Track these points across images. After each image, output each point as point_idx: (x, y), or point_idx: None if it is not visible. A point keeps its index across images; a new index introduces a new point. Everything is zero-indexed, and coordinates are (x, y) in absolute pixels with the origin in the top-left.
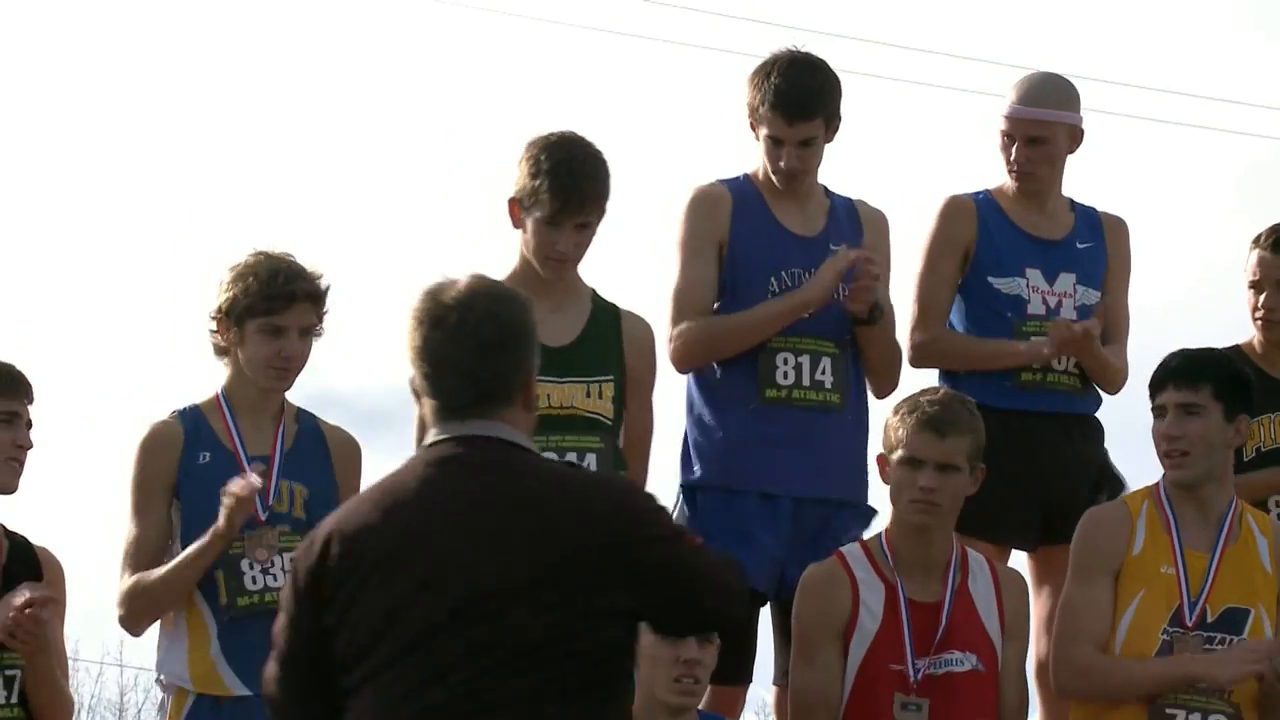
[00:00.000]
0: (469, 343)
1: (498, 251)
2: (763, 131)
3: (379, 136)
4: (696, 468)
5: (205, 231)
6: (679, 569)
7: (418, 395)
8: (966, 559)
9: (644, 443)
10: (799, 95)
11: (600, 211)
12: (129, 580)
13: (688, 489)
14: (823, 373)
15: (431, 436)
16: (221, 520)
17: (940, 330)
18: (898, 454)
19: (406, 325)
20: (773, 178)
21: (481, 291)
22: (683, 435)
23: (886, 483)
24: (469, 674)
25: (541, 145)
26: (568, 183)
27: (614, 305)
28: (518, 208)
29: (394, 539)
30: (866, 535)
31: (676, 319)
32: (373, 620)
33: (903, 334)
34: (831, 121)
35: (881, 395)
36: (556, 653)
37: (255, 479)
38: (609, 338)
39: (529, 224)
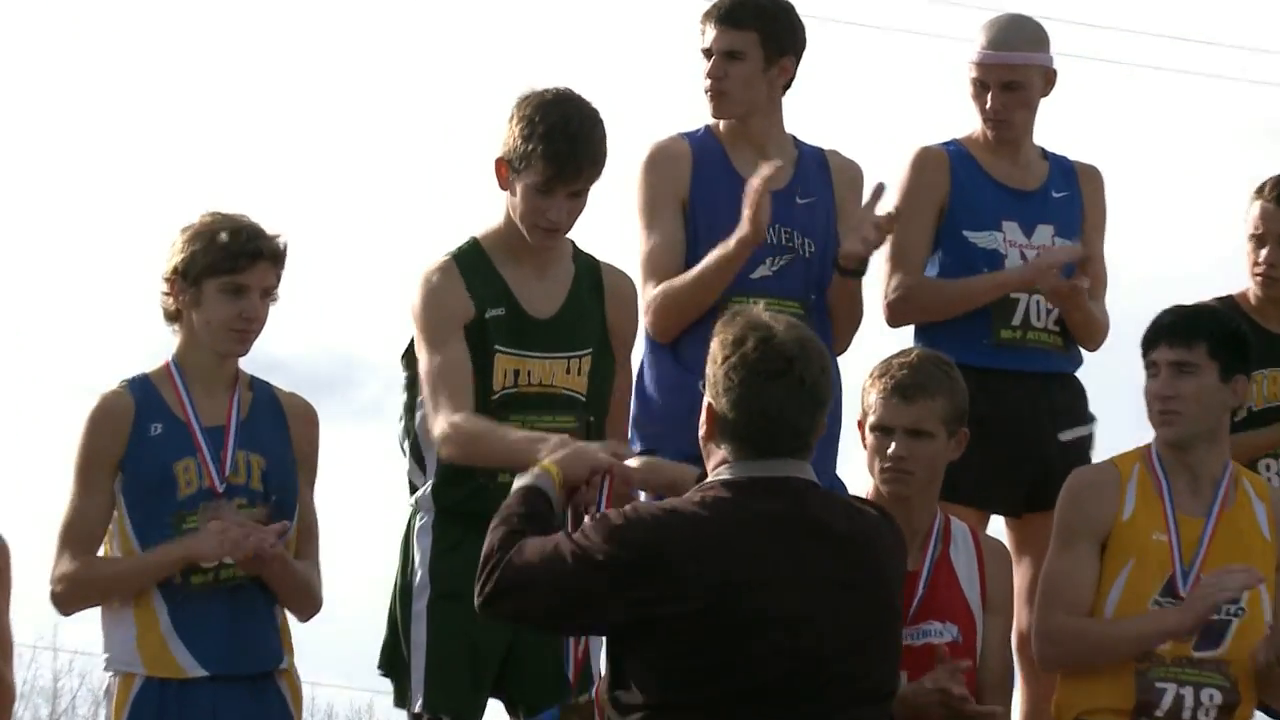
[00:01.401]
0: (808, 402)
1: (444, 211)
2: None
3: (313, 87)
4: (637, 443)
5: (147, 194)
6: None
7: (720, 433)
8: (949, 528)
9: (625, 406)
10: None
11: (596, 178)
12: (72, 563)
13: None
14: None
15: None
16: (208, 547)
17: (919, 278)
18: (870, 420)
19: (724, 358)
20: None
21: (810, 343)
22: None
23: (865, 448)
24: None
25: (535, 104)
26: (563, 149)
27: (594, 259)
28: (505, 169)
29: None
30: None
31: (647, 287)
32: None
33: (873, 292)
34: (769, 43)
35: (838, 353)
36: None
37: (255, 538)
38: (590, 303)
39: (518, 188)
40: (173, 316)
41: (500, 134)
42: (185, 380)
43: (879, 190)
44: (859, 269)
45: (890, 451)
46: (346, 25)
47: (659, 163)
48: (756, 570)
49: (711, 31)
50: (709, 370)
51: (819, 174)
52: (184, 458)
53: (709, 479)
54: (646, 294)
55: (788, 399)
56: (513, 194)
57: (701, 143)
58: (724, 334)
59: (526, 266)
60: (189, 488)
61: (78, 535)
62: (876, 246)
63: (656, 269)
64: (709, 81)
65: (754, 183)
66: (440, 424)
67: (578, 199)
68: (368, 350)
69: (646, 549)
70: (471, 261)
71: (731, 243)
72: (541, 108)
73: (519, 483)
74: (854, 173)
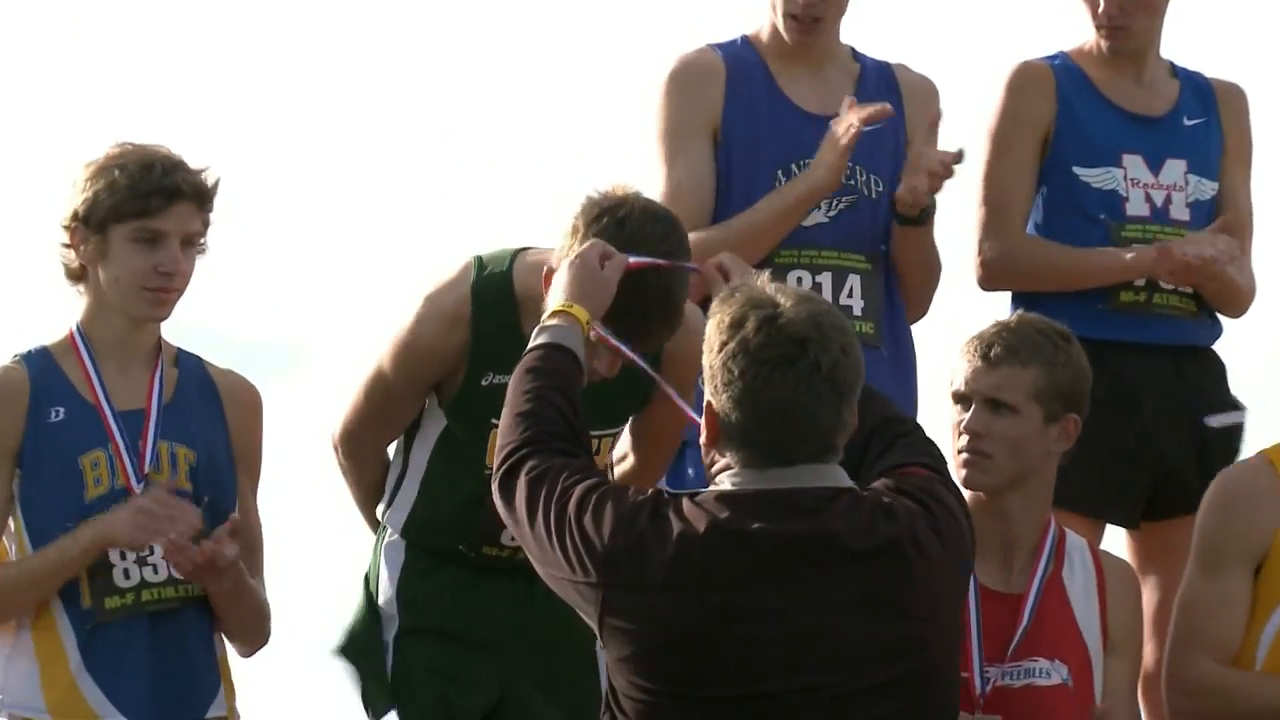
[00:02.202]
0: (827, 393)
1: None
2: None
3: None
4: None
5: (55, 125)
6: None
7: (725, 436)
8: (1064, 543)
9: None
10: None
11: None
12: None
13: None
14: (850, 295)
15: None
16: (125, 531)
17: (1020, 239)
18: (950, 391)
19: (720, 345)
20: (781, 31)
21: (827, 318)
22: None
23: None
24: None
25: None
26: (633, 329)
27: None
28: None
29: None
30: None
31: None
32: None
33: (953, 249)
34: None
35: (911, 320)
36: None
37: (197, 516)
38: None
39: None
40: (76, 274)
41: (557, 237)
42: (93, 353)
43: (934, 122)
44: (919, 217)
45: (964, 424)
46: (337, 18)
47: (685, 81)
48: (744, 603)
49: None
50: (705, 361)
51: (886, 95)
52: (92, 449)
53: (707, 487)
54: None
55: (802, 390)
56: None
57: (738, 56)
58: (720, 315)
59: None
60: (98, 487)
61: None
62: (934, 192)
63: (679, 213)
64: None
65: (851, 118)
66: None
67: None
68: (321, 325)
69: (621, 566)
70: (492, 304)
71: (797, 189)
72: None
73: (538, 337)
74: (928, 93)
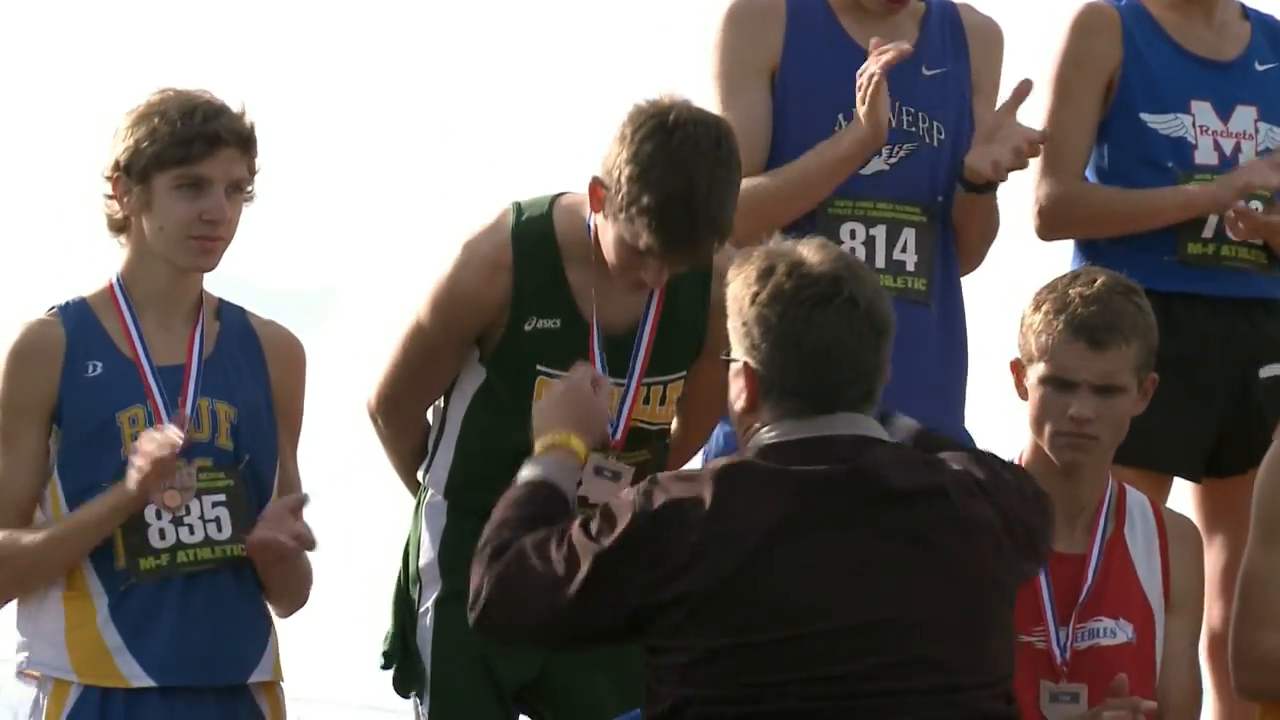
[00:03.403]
0: (868, 331)
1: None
2: None
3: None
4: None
5: (92, 74)
6: None
7: (763, 393)
8: (1124, 500)
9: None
10: None
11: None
12: None
13: None
14: (904, 250)
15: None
16: (131, 485)
17: (1078, 184)
18: (1039, 368)
19: (752, 296)
20: None
21: (854, 261)
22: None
23: (1024, 398)
24: None
25: (653, 143)
26: (680, 225)
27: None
28: (601, 194)
29: None
30: None
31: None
32: None
33: (1008, 198)
34: None
35: (964, 273)
36: None
37: (175, 433)
38: (691, 314)
39: (610, 232)
40: (119, 225)
41: (602, 148)
42: (133, 306)
43: (1023, 91)
44: (989, 187)
45: (1072, 412)
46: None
47: (743, 19)
48: (786, 544)
49: None
50: (732, 325)
51: (951, 37)
52: (130, 406)
53: (737, 453)
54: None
55: (844, 327)
56: (603, 230)
57: None
58: (743, 272)
59: (605, 273)
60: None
61: (3, 502)
62: (1016, 169)
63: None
64: None
65: (871, 65)
66: None
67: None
68: (353, 271)
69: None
70: (533, 248)
71: (844, 143)
72: (661, 155)
73: (532, 468)
74: (992, 36)
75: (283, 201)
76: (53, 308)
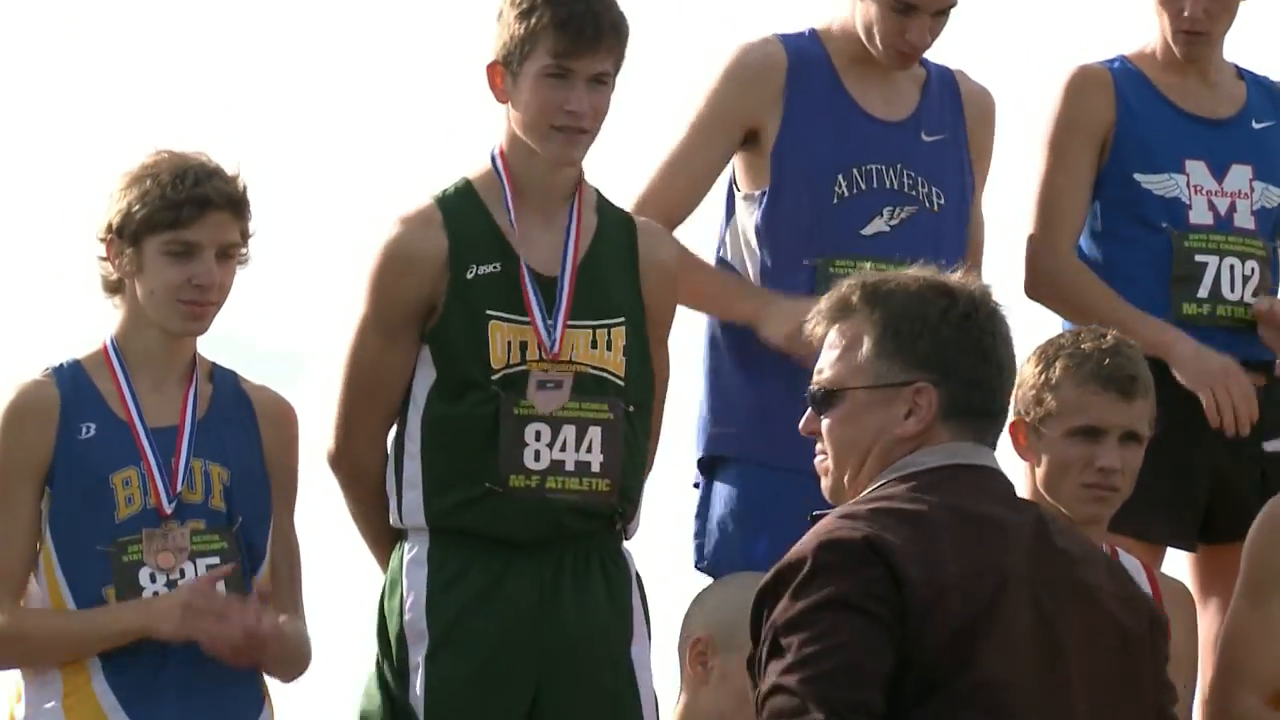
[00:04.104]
0: (1005, 342)
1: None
2: None
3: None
4: (718, 436)
5: (92, 132)
6: None
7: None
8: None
9: (659, 398)
10: None
11: (619, 54)
12: None
13: (707, 464)
14: None
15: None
16: (169, 625)
17: (1071, 259)
18: (1063, 422)
19: (941, 308)
20: (875, 50)
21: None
22: (704, 393)
23: (1025, 457)
24: None
25: None
26: (578, 10)
27: (626, 214)
28: (501, 72)
29: None
30: None
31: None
32: None
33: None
34: None
35: None
36: None
37: (245, 616)
38: (619, 264)
39: (527, 84)
40: (113, 287)
41: (490, 42)
42: (127, 368)
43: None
44: None
45: (1101, 462)
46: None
47: (743, 71)
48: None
49: None
50: (890, 345)
51: (950, 102)
52: (124, 468)
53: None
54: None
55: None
56: (516, 102)
57: (803, 51)
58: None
59: (533, 213)
60: (130, 506)
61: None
62: None
63: (654, 208)
64: (911, 40)
65: (780, 341)
66: None
67: (602, 87)
68: (326, 330)
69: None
70: (458, 204)
71: (745, 310)
72: None
73: None
74: (986, 104)
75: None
76: (47, 369)
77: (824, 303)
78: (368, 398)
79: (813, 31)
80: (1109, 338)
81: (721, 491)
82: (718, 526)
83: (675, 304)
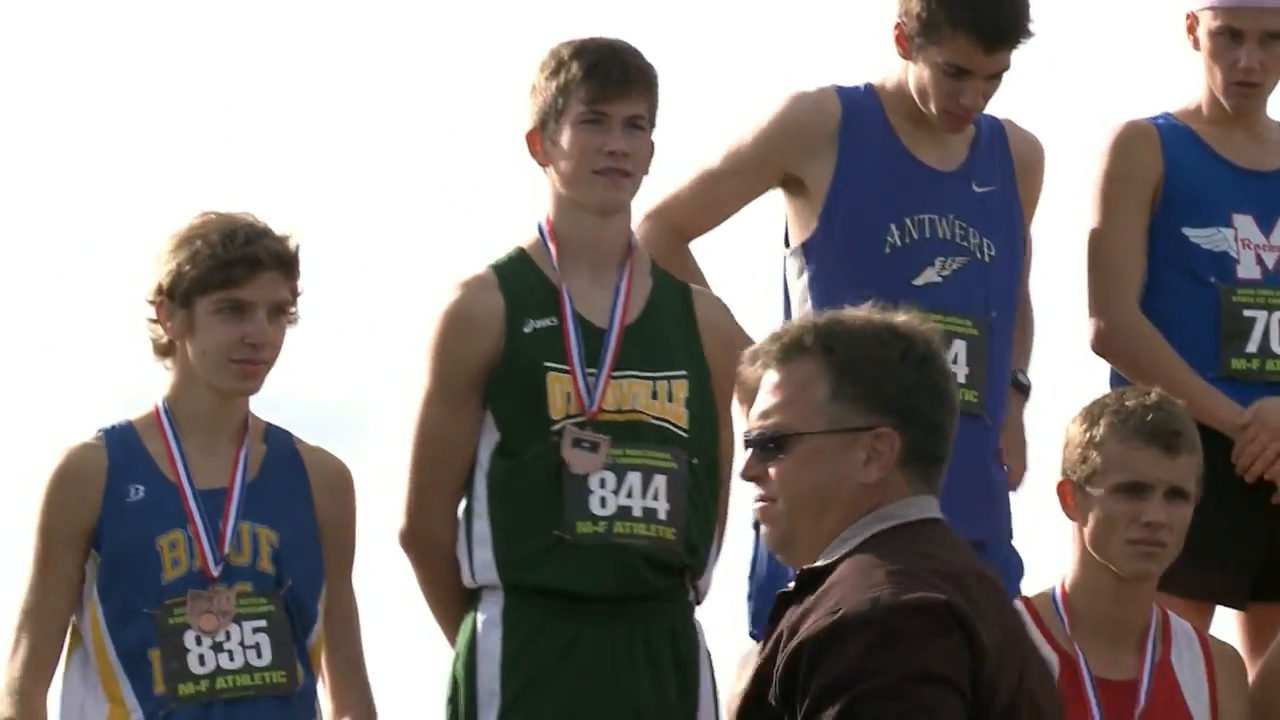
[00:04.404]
0: (954, 385)
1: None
2: (930, 53)
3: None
4: None
5: (141, 196)
6: None
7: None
8: (1169, 625)
9: (725, 461)
10: (1006, 11)
11: (652, 99)
12: (20, 675)
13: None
14: (954, 361)
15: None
16: None
17: (1138, 318)
18: (1109, 478)
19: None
20: (928, 112)
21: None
22: None
23: (1073, 517)
24: None
25: (567, 45)
26: (607, 62)
27: (681, 282)
28: (540, 138)
29: None
30: (1028, 590)
31: (650, 215)
32: None
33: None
34: None
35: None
36: None
37: None
38: (677, 323)
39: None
40: (164, 350)
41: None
42: (178, 429)
43: None
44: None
45: (1147, 518)
46: (365, 36)
47: (795, 115)
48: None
49: (971, 48)
50: (854, 388)
51: (999, 153)
52: (170, 530)
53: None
54: (643, 223)
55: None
56: (556, 161)
57: (858, 102)
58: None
59: (583, 272)
60: (176, 569)
61: (32, 630)
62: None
63: (663, 221)
64: (965, 103)
65: None
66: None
67: (639, 132)
68: (383, 388)
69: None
70: (512, 266)
71: None
72: (572, 45)
73: None
74: (1035, 152)
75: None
76: (99, 431)
77: (768, 344)
78: (438, 469)
79: (869, 86)
80: (1153, 395)
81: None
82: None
83: (735, 368)
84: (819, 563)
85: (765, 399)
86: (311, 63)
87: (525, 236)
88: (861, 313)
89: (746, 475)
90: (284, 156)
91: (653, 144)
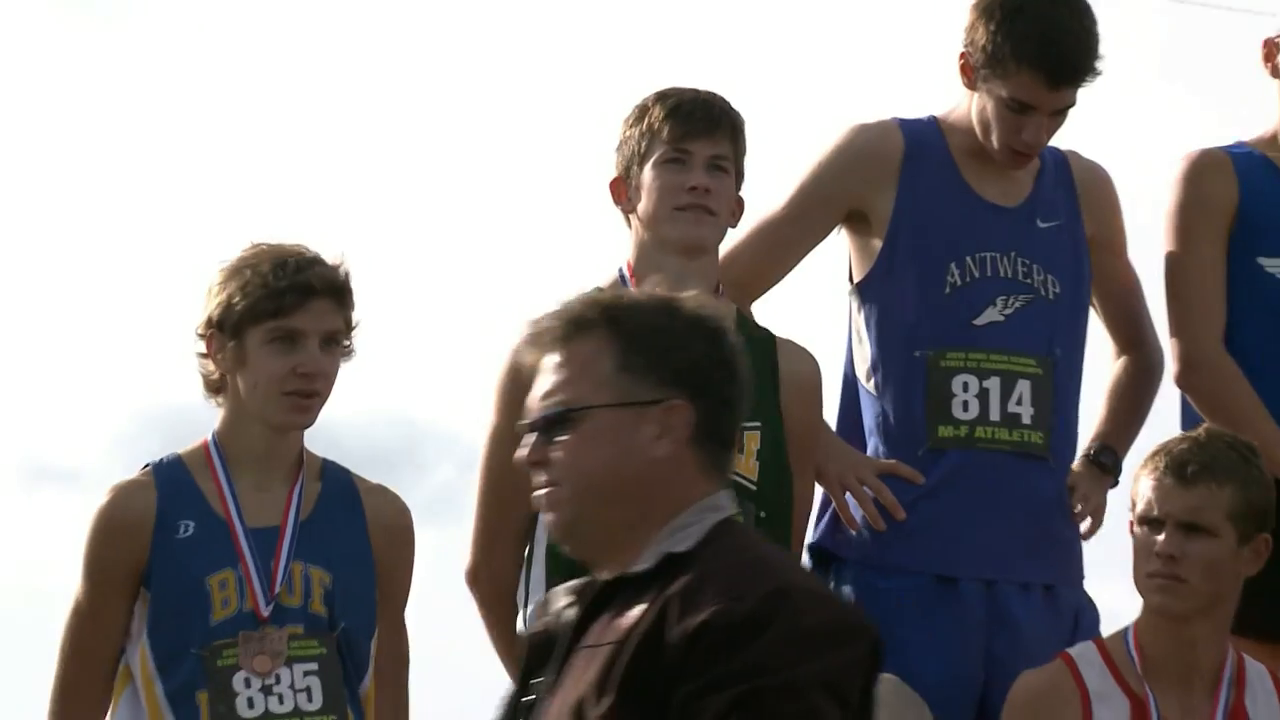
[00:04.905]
0: (745, 363)
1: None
2: (994, 86)
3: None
4: (844, 539)
5: (192, 232)
6: None
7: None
8: (1243, 669)
9: (799, 517)
10: (1073, 48)
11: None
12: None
13: (830, 564)
14: (1019, 402)
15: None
16: None
17: (1224, 357)
18: (1134, 511)
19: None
20: (989, 146)
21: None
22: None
23: None
24: None
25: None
26: (694, 108)
27: (767, 331)
28: (623, 186)
29: None
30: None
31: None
32: None
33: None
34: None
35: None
36: None
37: None
38: (758, 373)
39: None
40: (215, 386)
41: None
42: (228, 466)
43: None
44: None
45: (1158, 548)
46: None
47: (858, 148)
48: None
49: (1035, 84)
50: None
51: (1063, 186)
52: (221, 569)
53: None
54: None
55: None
56: (638, 204)
57: (920, 136)
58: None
59: None
60: (225, 609)
61: (82, 671)
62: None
63: (729, 273)
64: (1026, 139)
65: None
66: None
67: (723, 174)
68: (438, 417)
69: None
70: None
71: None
72: (657, 92)
73: None
74: (1100, 181)
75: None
76: (147, 465)
77: (547, 322)
78: (505, 508)
79: (932, 119)
80: (1204, 429)
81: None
82: None
83: (817, 424)
84: (668, 550)
85: (547, 379)
86: (364, 102)
87: (604, 278)
88: (644, 289)
89: (529, 460)
90: (335, 195)
91: (740, 196)
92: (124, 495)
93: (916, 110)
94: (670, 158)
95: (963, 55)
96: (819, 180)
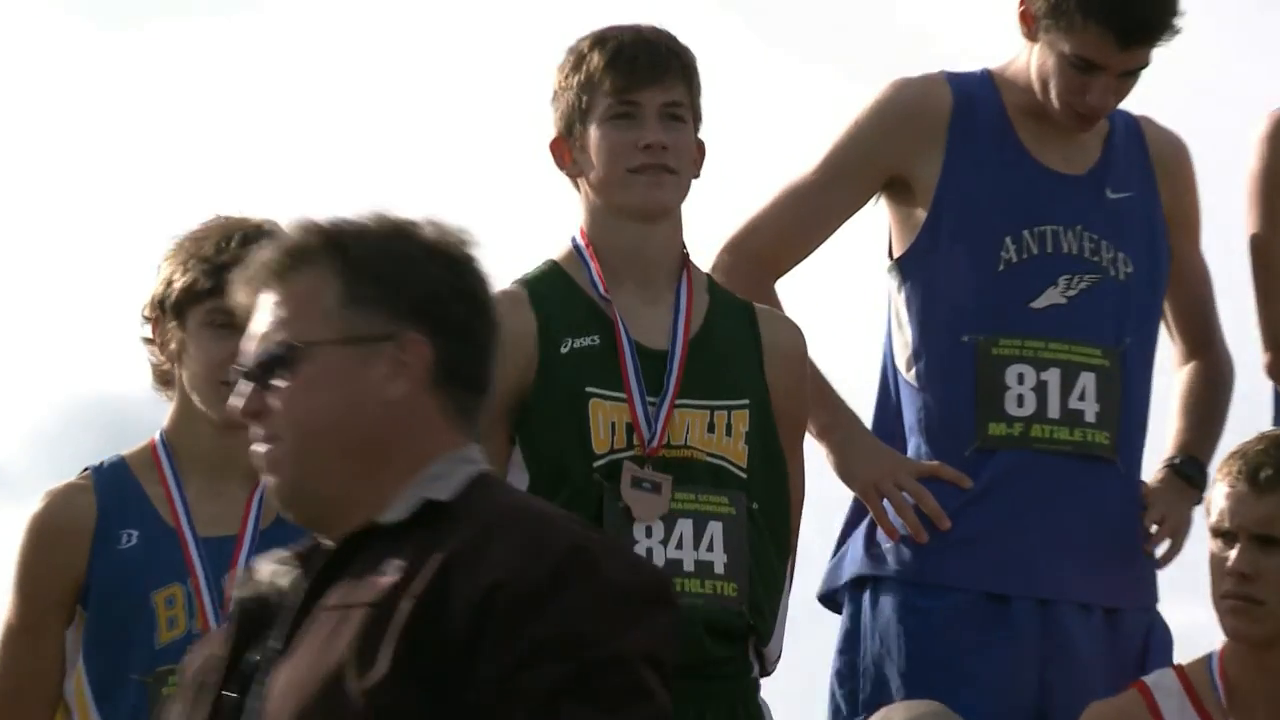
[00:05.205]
0: (492, 296)
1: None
2: (1057, 40)
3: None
4: (881, 553)
5: (131, 203)
6: None
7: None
8: None
9: (794, 505)
10: (1146, 7)
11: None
12: None
13: (867, 583)
14: (1081, 398)
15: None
16: None
17: None
18: (1208, 523)
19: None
20: (1048, 103)
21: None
22: (851, 500)
23: None
24: None
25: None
26: (635, 53)
27: (742, 300)
28: (565, 145)
29: None
30: (1181, 658)
31: (735, 237)
32: None
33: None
34: None
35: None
36: None
37: None
38: (739, 345)
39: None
40: (164, 377)
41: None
42: (177, 468)
43: None
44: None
45: (1230, 566)
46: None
47: (897, 106)
48: None
49: (1105, 43)
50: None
51: (1137, 154)
52: (168, 584)
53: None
54: (720, 257)
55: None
56: (586, 167)
57: (973, 92)
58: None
59: (630, 290)
60: (172, 629)
61: (20, 707)
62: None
63: (747, 242)
64: (1092, 101)
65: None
66: None
67: (679, 123)
68: None
69: None
70: (544, 281)
71: (835, 441)
72: (592, 35)
73: None
74: (1176, 152)
75: None
76: (86, 469)
77: (264, 256)
78: None
79: (986, 72)
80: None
81: (884, 618)
82: (874, 665)
83: (806, 399)
84: (426, 496)
85: (263, 320)
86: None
87: (556, 249)
88: (370, 213)
89: (244, 412)
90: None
91: (700, 141)
92: (60, 501)
93: (968, 64)
94: (617, 113)
95: (1023, 1)
96: (855, 142)
